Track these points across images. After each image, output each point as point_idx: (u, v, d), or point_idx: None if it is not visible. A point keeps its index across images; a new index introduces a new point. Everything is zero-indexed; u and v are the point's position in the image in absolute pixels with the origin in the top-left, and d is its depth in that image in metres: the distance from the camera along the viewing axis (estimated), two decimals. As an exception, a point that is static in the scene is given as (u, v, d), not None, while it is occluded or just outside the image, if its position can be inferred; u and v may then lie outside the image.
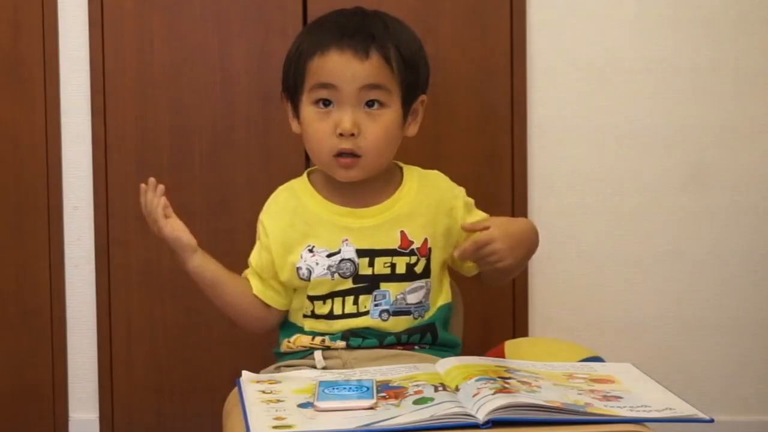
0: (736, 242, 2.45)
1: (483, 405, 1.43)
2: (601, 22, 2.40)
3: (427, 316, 1.86)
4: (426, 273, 1.85)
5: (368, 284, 1.83)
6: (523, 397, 1.44)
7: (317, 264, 1.82)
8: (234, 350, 2.37)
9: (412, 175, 1.90)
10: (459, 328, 1.98)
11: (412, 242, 1.84)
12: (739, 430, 2.44)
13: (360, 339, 1.83)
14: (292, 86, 1.86)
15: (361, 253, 1.82)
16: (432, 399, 1.48)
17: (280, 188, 1.93)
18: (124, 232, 2.40)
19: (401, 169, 1.90)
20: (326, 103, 1.80)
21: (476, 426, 1.41)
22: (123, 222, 2.40)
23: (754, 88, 2.42)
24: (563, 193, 2.42)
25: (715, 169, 2.43)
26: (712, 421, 1.45)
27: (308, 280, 1.83)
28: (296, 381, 1.62)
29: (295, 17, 2.37)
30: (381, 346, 1.82)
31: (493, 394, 1.45)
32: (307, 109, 1.82)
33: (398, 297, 1.83)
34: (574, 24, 2.40)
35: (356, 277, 1.83)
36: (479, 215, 1.89)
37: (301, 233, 1.84)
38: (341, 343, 1.83)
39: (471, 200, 1.90)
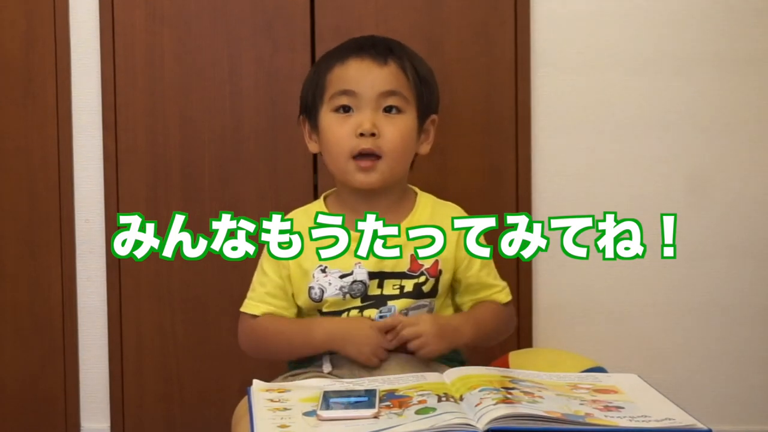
0: (742, 257, 2.45)
1: (484, 414, 1.44)
2: (606, 36, 2.41)
3: None
4: (433, 293, 1.88)
5: (375, 302, 1.86)
6: (523, 408, 1.45)
7: (330, 284, 1.85)
8: (243, 361, 2.35)
9: (427, 201, 1.92)
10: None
11: (421, 265, 1.86)
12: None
13: None
14: (311, 103, 1.91)
15: (372, 275, 1.85)
16: (434, 409, 1.49)
17: (296, 211, 1.94)
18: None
19: (416, 194, 1.92)
20: (346, 109, 1.85)
21: (477, 436, 1.43)
22: (134, 234, 2.42)
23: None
24: (567, 207, 2.41)
25: (721, 175, 2.43)
26: (709, 431, 1.46)
27: (320, 300, 1.86)
28: (305, 389, 1.62)
29: (304, 33, 2.39)
30: None
31: (495, 404, 1.46)
32: (327, 117, 1.87)
33: (402, 312, 1.85)
34: (579, 38, 2.40)
35: (365, 297, 1.86)
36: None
37: (315, 255, 1.85)
38: None
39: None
